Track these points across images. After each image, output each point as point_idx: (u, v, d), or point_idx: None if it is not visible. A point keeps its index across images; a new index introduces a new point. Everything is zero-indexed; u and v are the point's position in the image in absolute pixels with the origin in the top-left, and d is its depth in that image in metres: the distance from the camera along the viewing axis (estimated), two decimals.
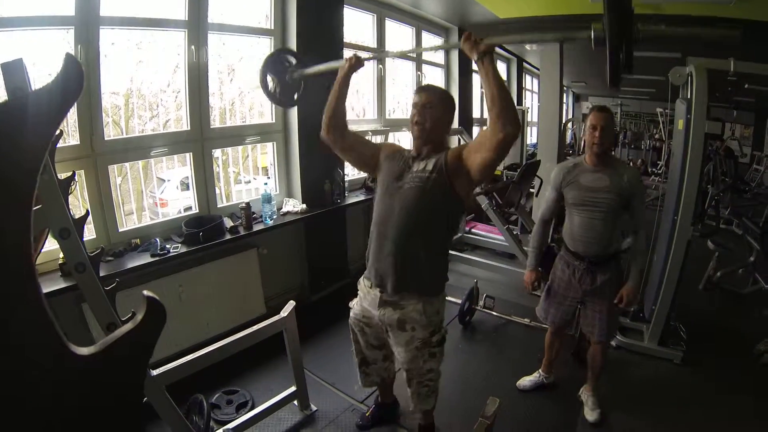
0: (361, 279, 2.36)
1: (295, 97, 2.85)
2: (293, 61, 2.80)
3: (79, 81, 0.88)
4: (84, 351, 0.96)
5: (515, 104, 1.94)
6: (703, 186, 3.56)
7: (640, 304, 3.90)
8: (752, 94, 9.07)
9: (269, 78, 2.71)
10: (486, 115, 7.91)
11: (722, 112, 11.05)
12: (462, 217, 2.50)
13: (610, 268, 2.74)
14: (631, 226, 2.73)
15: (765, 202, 7.92)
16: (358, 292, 2.38)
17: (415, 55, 6.25)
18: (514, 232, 5.32)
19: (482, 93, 8.35)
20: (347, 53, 4.88)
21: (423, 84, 2.20)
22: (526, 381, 3.30)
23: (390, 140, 5.57)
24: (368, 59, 2.44)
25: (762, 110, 12.92)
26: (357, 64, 2.31)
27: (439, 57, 6.95)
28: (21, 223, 0.84)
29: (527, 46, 8.03)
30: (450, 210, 2.16)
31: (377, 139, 5.45)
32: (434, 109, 2.14)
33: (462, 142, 5.39)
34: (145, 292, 1.00)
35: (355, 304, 2.41)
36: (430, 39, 6.62)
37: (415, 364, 2.24)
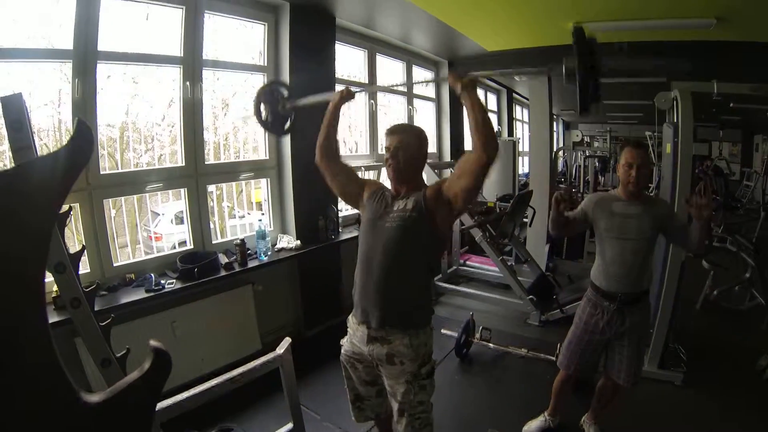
0: (349, 316, 2.37)
1: (286, 126, 2.90)
2: (285, 93, 2.85)
3: (90, 145, 0.91)
4: (93, 398, 0.96)
5: (493, 130, 2.00)
6: None
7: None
8: (738, 112, 9.24)
9: (262, 107, 2.77)
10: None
11: (709, 132, 11.22)
12: (441, 251, 2.52)
13: (639, 308, 2.62)
14: (685, 240, 2.51)
15: (756, 217, 7.96)
16: (348, 329, 2.38)
17: (405, 89, 6.35)
18: (509, 263, 5.33)
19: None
20: (339, 89, 4.97)
21: (392, 126, 2.25)
22: (532, 426, 3.15)
23: (383, 175, 5.60)
24: (358, 91, 2.50)
25: (748, 127, 13.15)
26: (347, 96, 2.40)
27: (430, 91, 7.07)
28: (36, 276, 0.86)
29: (516, 77, 8.18)
30: (430, 247, 2.20)
31: (370, 174, 5.50)
32: (407, 150, 2.18)
33: None
34: (152, 342, 1.02)
35: (345, 342, 2.40)
36: (420, 73, 6.75)
37: (406, 398, 2.21)
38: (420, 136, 2.27)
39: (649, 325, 2.72)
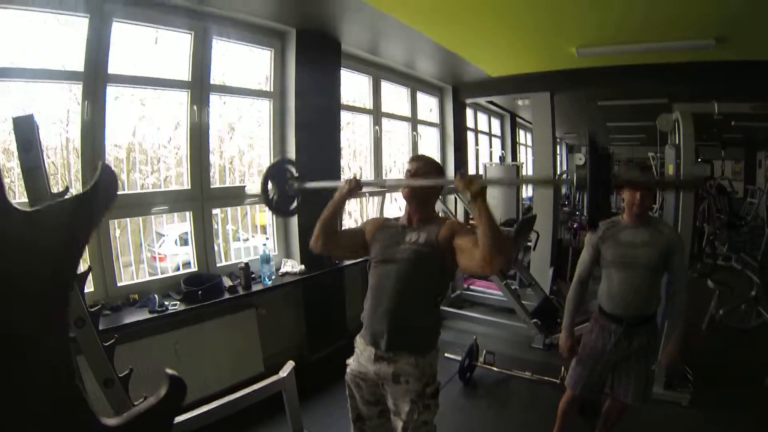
0: (357, 337, 2.38)
1: (292, 207, 2.81)
2: (294, 172, 2.78)
3: (115, 189, 0.96)
4: (111, 422, 0.99)
5: (505, 238, 2.01)
6: (698, 225, 3.61)
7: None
8: (739, 130, 9.26)
9: (270, 185, 2.69)
10: (481, 172, 8.02)
11: (711, 151, 11.23)
12: (450, 281, 2.53)
13: (647, 331, 2.61)
14: (670, 286, 2.65)
15: (761, 234, 7.91)
16: (355, 349, 2.39)
17: (410, 117, 6.42)
18: (513, 287, 5.30)
19: (477, 150, 8.55)
20: (345, 116, 5.03)
21: (417, 154, 2.36)
22: None
23: (387, 200, 5.64)
24: (366, 185, 2.50)
25: (751, 144, 13.15)
26: (356, 187, 2.39)
27: (434, 116, 7.14)
28: (62, 306, 0.90)
29: (519, 102, 8.24)
30: (441, 279, 2.26)
31: (374, 201, 5.53)
32: (426, 177, 2.26)
33: (459, 204, 5.45)
34: (168, 371, 1.05)
35: (352, 361, 2.41)
36: (424, 99, 6.82)
37: (410, 417, 2.20)
38: (440, 170, 2.36)
39: (657, 347, 2.69)
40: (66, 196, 0.97)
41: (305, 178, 2.74)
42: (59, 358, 0.90)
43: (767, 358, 4.10)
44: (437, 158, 7.09)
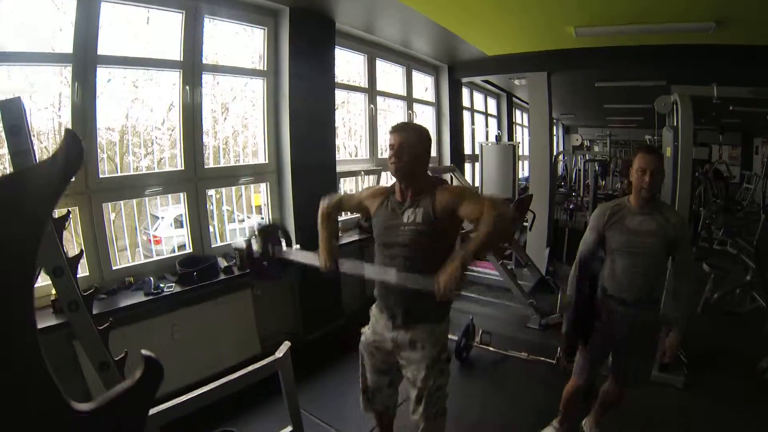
0: (373, 306, 2.44)
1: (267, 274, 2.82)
2: (283, 242, 2.79)
3: (79, 156, 0.90)
4: (83, 407, 0.95)
5: (505, 227, 2.02)
6: (694, 209, 3.60)
7: None
8: (738, 116, 9.25)
9: (254, 244, 2.70)
10: (477, 151, 7.99)
11: (709, 136, 11.23)
12: (454, 243, 2.49)
13: (650, 314, 2.55)
14: (676, 274, 2.56)
15: (757, 219, 7.95)
16: (370, 317, 2.45)
17: (405, 95, 6.37)
18: (509, 267, 5.31)
19: (473, 129, 8.51)
20: (339, 94, 4.98)
21: (396, 124, 2.25)
22: None
23: (382, 181, 5.62)
24: (338, 269, 2.54)
25: (748, 130, 13.17)
26: (329, 269, 2.53)
27: (429, 95, 7.09)
28: (24, 281, 0.85)
29: (516, 81, 8.18)
30: (444, 249, 2.18)
31: (370, 179, 5.52)
32: (410, 149, 2.16)
33: (455, 182, 5.43)
34: (143, 351, 1.01)
35: (366, 329, 2.46)
36: (420, 77, 6.76)
37: (426, 383, 2.26)
38: (423, 134, 2.26)
39: (659, 330, 2.63)
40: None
41: (287, 251, 2.77)
42: (23, 338, 0.85)
43: (761, 343, 4.13)
44: (433, 138, 7.08)
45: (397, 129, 2.24)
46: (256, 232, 2.70)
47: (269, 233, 2.74)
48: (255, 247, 2.68)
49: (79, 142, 0.89)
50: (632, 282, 2.50)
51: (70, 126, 2.98)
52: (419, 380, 2.27)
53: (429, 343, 2.23)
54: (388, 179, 6.03)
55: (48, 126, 3.11)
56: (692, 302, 2.58)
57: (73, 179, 2.96)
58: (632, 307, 2.52)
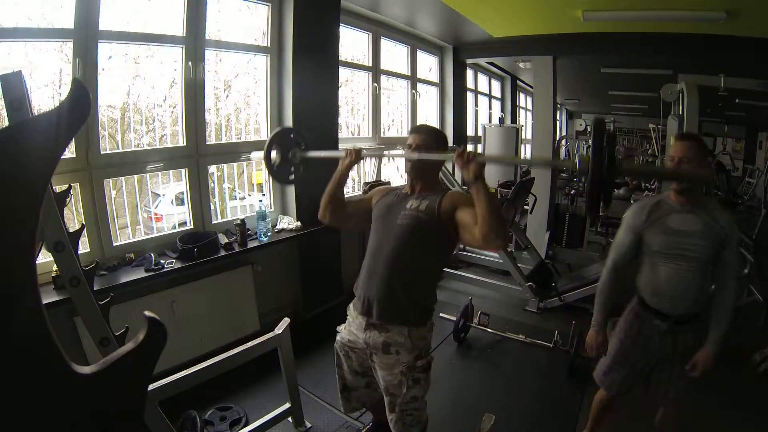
0: (350, 305, 2.36)
1: (291, 177, 2.84)
2: (302, 144, 2.79)
3: (86, 107, 0.86)
4: (85, 370, 0.93)
5: (504, 219, 1.99)
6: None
7: None
8: (743, 109, 9.19)
9: (274, 150, 2.71)
10: (480, 133, 7.98)
11: (714, 127, 11.18)
12: (451, 253, 2.44)
13: (694, 328, 2.26)
14: (719, 279, 2.23)
15: (757, 214, 7.95)
16: (347, 316, 2.38)
17: (409, 74, 6.32)
18: (509, 249, 5.33)
19: (476, 111, 8.47)
20: (343, 72, 4.95)
21: (417, 125, 2.30)
22: None
23: (383, 161, 5.62)
24: (368, 155, 2.49)
25: (753, 124, 13.09)
26: (357, 158, 2.35)
27: (433, 75, 7.04)
28: (25, 242, 0.82)
29: (521, 64, 8.13)
30: (439, 248, 2.21)
31: (372, 161, 5.51)
32: (428, 149, 2.21)
33: None
34: (146, 313, 0.98)
35: (342, 329, 2.40)
36: (424, 57, 6.70)
37: (398, 390, 2.18)
38: (441, 139, 2.33)
39: (701, 345, 2.28)
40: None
41: (309, 148, 2.75)
42: (25, 297, 0.83)
43: (756, 336, 4.16)
44: (436, 118, 7.07)
45: (417, 129, 2.35)
46: (273, 136, 2.72)
47: (285, 137, 2.76)
48: (274, 156, 2.72)
49: (87, 92, 0.86)
50: (675, 290, 2.21)
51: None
52: (391, 387, 2.20)
53: (404, 348, 2.13)
54: (389, 161, 6.04)
55: (49, 104, 3.07)
56: (731, 314, 2.24)
57: (72, 160, 2.96)
58: (674, 321, 2.25)
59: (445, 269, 5.43)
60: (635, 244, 2.31)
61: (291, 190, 4.37)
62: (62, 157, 2.93)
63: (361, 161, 2.43)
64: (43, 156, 0.82)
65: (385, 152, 2.67)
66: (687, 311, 2.23)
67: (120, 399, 1.03)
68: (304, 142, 2.78)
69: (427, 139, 2.25)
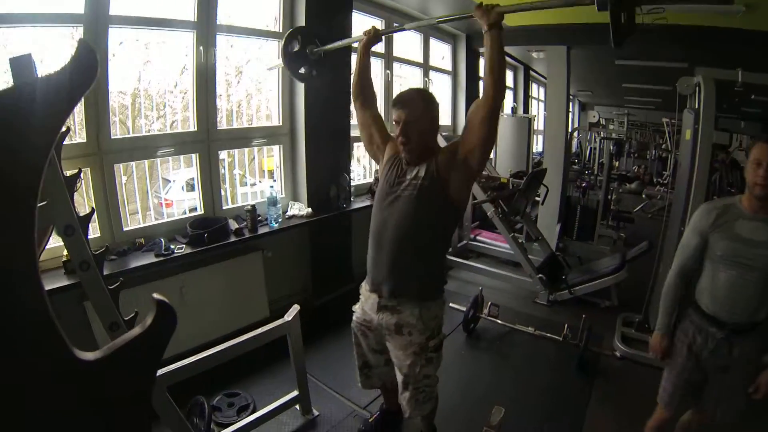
0: (362, 283, 2.39)
1: (301, 71, 2.96)
2: (318, 42, 2.96)
3: (93, 69, 0.82)
4: (89, 356, 0.90)
5: (504, 77, 2.07)
6: (709, 197, 3.51)
7: (645, 314, 3.87)
8: (759, 105, 9.05)
9: (295, 44, 2.88)
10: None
11: (729, 123, 11.03)
12: (457, 222, 2.42)
13: (752, 338, 2.12)
14: None
15: None
16: (360, 296, 2.39)
17: (422, 63, 6.27)
18: (519, 240, 5.29)
19: None
20: (354, 58, 4.90)
21: (398, 95, 2.14)
22: None
23: None
24: (385, 33, 2.58)
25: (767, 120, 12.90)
26: (375, 37, 2.48)
27: (446, 63, 6.98)
28: (25, 220, 0.79)
29: (534, 54, 8.03)
30: (444, 215, 2.17)
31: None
32: (416, 124, 2.08)
33: None
34: (155, 295, 0.93)
35: (357, 308, 2.42)
36: (437, 45, 6.64)
37: (411, 370, 2.22)
38: (428, 102, 2.16)
39: (760, 358, 2.18)
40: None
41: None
42: (26, 279, 0.78)
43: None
44: (449, 106, 7.01)
45: (400, 103, 2.12)
46: (295, 30, 2.93)
47: (307, 33, 2.97)
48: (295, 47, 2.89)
49: (94, 53, 0.82)
50: (736, 300, 2.08)
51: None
52: (404, 367, 2.23)
53: (416, 330, 2.16)
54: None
55: None
56: None
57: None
58: (732, 330, 2.12)
59: (453, 258, 5.47)
60: (701, 246, 2.18)
61: (303, 176, 4.35)
62: (73, 142, 2.92)
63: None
64: (44, 124, 0.77)
65: (406, 26, 2.66)
66: (746, 320, 2.09)
67: (126, 384, 0.99)
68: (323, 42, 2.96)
69: (415, 111, 2.08)
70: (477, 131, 1.98)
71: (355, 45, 2.64)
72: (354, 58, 2.60)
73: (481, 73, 2.24)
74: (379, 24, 5.37)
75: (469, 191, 2.27)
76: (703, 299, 2.20)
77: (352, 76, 2.50)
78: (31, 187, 0.78)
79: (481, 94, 1.99)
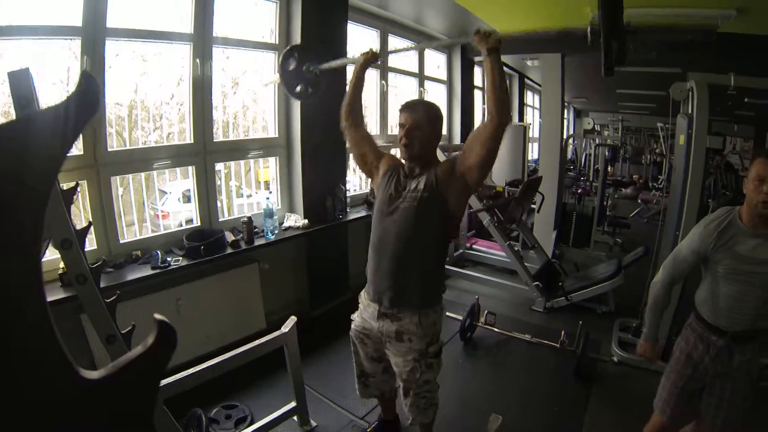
0: (362, 292, 2.41)
1: (297, 89, 2.95)
2: (316, 61, 2.95)
3: (96, 101, 0.83)
4: (93, 375, 0.91)
5: (508, 98, 2.05)
6: (704, 200, 3.52)
7: (642, 319, 3.87)
8: (752, 108, 9.11)
9: (291, 62, 2.86)
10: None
11: (723, 126, 11.08)
12: (454, 232, 2.47)
13: (752, 346, 2.14)
14: None
15: None
16: (359, 304, 2.41)
17: (417, 72, 6.30)
18: (516, 248, 5.31)
19: (484, 109, 8.42)
20: (350, 69, 4.93)
21: (407, 102, 2.23)
22: None
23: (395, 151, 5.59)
24: (383, 55, 2.59)
25: (762, 123, 12.98)
26: (372, 58, 2.46)
27: (441, 73, 7.01)
28: (31, 252, 0.80)
29: (528, 62, 8.07)
30: (443, 226, 2.20)
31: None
32: (422, 130, 2.16)
33: None
34: (157, 316, 0.94)
35: (356, 317, 2.44)
36: (432, 55, 6.68)
37: (412, 376, 2.25)
38: (435, 114, 2.25)
39: (759, 367, 2.20)
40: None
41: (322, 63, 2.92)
42: (30, 297, 0.80)
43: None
44: (444, 116, 7.03)
45: (408, 108, 2.23)
46: (291, 48, 2.92)
47: (303, 51, 2.96)
48: (291, 65, 2.88)
49: (97, 84, 0.84)
50: (735, 312, 2.08)
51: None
52: (405, 373, 2.26)
53: (416, 336, 2.19)
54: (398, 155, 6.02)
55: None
56: None
57: (80, 157, 2.96)
58: (732, 338, 2.12)
59: (449, 267, 5.48)
60: (697, 263, 2.19)
61: (299, 188, 4.36)
62: (69, 155, 2.93)
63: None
64: (49, 152, 0.79)
65: (402, 49, 2.72)
66: (746, 328, 2.09)
67: (129, 404, 1.01)
68: (319, 60, 2.95)
69: (421, 118, 2.17)
70: (478, 151, 2.01)
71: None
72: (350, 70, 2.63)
73: (477, 83, 2.27)
74: (373, 35, 5.40)
75: (466, 203, 2.31)
76: (704, 310, 2.20)
77: (345, 96, 2.50)
78: (37, 215, 0.78)
79: (485, 116, 2.03)
